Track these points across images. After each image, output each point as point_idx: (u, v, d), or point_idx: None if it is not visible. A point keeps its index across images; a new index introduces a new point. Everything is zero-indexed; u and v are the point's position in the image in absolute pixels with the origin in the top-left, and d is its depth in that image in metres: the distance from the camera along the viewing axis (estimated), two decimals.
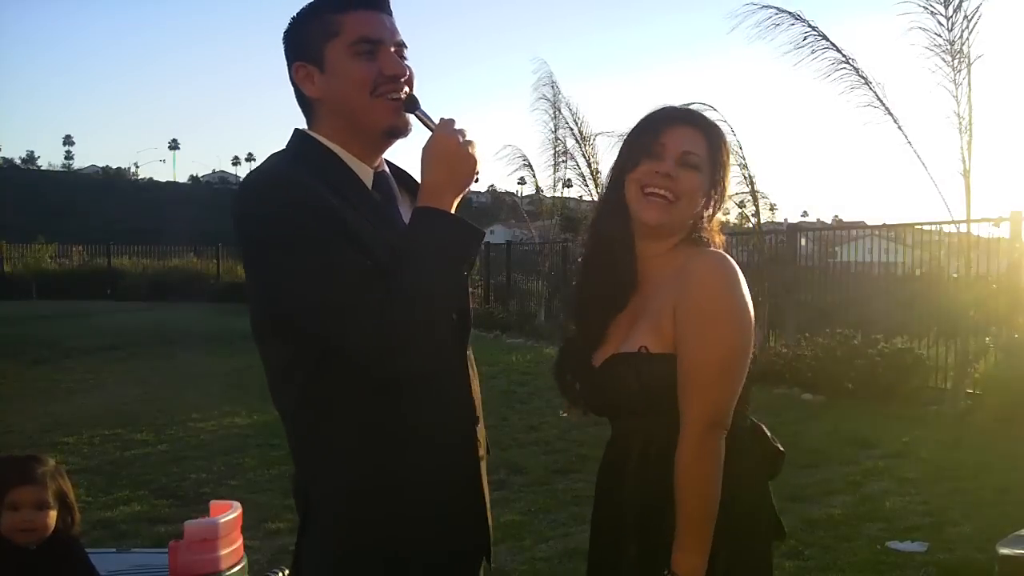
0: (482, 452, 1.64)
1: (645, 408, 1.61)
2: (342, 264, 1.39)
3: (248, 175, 1.53)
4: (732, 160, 1.74)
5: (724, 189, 1.69)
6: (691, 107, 1.72)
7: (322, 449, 1.50)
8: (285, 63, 1.57)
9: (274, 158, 1.54)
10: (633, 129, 1.71)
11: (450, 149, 1.48)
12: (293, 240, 1.40)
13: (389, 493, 1.48)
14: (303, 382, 1.48)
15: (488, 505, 1.64)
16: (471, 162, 1.49)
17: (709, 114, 1.73)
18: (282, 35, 1.57)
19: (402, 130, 1.56)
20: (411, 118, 1.57)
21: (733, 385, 1.56)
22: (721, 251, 1.65)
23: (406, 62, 1.56)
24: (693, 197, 1.63)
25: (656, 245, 1.68)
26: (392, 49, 1.53)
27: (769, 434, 1.72)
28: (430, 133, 1.52)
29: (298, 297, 1.41)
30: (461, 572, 1.61)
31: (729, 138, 1.83)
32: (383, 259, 1.42)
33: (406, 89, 1.55)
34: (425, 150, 1.49)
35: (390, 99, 1.52)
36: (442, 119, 1.52)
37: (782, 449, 1.71)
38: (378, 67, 1.51)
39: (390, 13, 1.56)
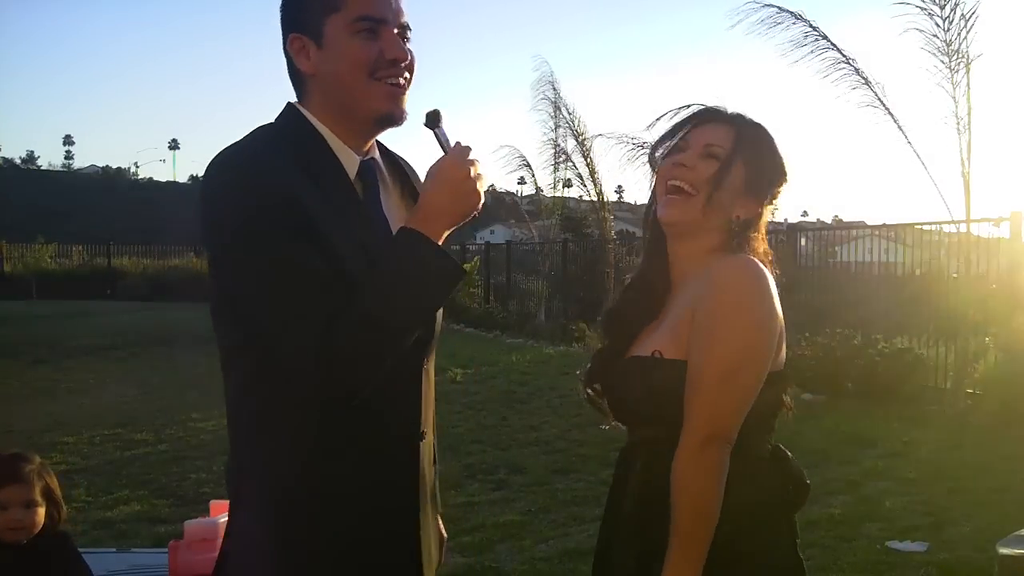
0: (426, 468, 1.55)
1: (652, 415, 1.54)
2: (295, 266, 1.32)
3: (221, 152, 1.41)
4: (776, 157, 1.62)
5: (761, 186, 1.60)
6: (726, 107, 1.64)
7: (252, 441, 1.46)
8: (281, 34, 1.49)
9: (255, 133, 1.46)
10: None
11: (459, 178, 1.40)
12: (248, 232, 1.32)
13: (313, 501, 1.43)
14: (242, 373, 1.44)
15: (423, 526, 1.53)
16: (475, 198, 1.42)
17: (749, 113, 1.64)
18: (280, 3, 1.50)
19: (396, 119, 1.47)
20: (407, 104, 1.49)
21: (738, 395, 1.45)
22: (750, 256, 1.54)
23: (408, 45, 1.47)
24: (716, 189, 1.55)
25: (687, 247, 1.60)
26: (395, 31, 1.45)
27: (793, 461, 1.61)
28: (442, 153, 1.45)
29: (245, 293, 1.36)
30: None
31: None
32: (345, 263, 1.35)
33: (430, 109, 1.48)
34: (432, 171, 1.42)
35: (388, 84, 1.44)
36: (458, 144, 1.45)
37: (808, 482, 1.61)
38: (379, 48, 1.42)
39: None
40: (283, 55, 1.50)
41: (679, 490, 1.44)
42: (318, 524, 1.43)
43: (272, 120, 1.51)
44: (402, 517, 1.50)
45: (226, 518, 2.50)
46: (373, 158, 1.54)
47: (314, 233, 1.34)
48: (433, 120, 1.48)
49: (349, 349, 1.31)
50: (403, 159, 1.66)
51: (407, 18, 1.48)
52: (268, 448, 1.45)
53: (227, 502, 2.63)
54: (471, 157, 1.42)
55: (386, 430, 1.47)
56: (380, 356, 1.34)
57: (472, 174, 1.41)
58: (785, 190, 1.65)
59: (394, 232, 1.47)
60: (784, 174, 1.64)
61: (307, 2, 1.45)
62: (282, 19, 1.49)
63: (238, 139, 1.45)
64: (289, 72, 1.51)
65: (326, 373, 1.31)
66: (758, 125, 1.63)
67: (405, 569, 1.52)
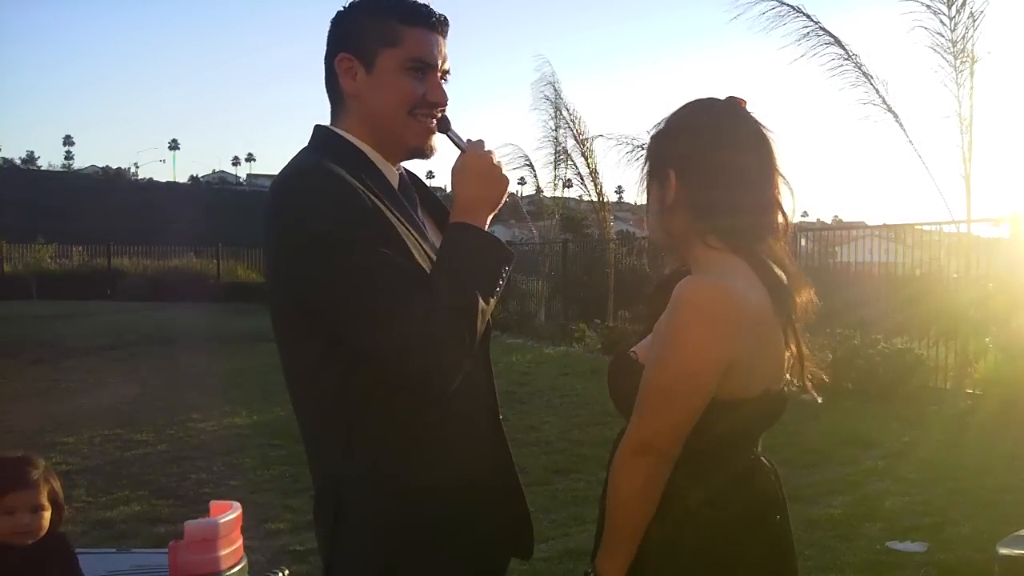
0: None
1: (628, 412, 1.56)
2: (386, 267, 1.38)
3: (284, 170, 1.49)
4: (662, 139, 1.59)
5: (665, 172, 1.55)
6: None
7: (356, 449, 1.48)
8: (326, 44, 1.57)
9: (305, 154, 1.53)
10: None
11: (484, 167, 1.52)
12: (336, 239, 1.38)
13: (429, 491, 1.47)
14: (337, 381, 1.46)
15: (524, 494, 1.67)
16: (504, 182, 1.53)
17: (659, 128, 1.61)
18: (335, 16, 1.57)
19: (425, 153, 1.59)
20: (436, 141, 1.59)
21: (672, 415, 1.46)
22: (712, 278, 1.49)
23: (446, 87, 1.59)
24: (658, 221, 1.61)
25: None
26: (439, 75, 1.56)
27: (769, 477, 1.62)
28: (459, 152, 1.55)
29: (339, 299, 1.39)
30: (502, 567, 1.66)
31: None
32: (417, 263, 1.44)
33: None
34: (457, 169, 1.53)
35: (423, 122, 1.55)
36: (470, 140, 1.56)
37: (783, 499, 1.64)
38: (424, 89, 1.53)
39: (446, 36, 1.58)
40: (323, 65, 1.58)
41: (611, 488, 1.51)
42: (443, 513, 1.49)
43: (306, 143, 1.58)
44: (510, 490, 1.64)
45: (227, 518, 2.51)
46: (404, 173, 1.64)
47: (391, 233, 1.43)
48: (445, 124, 1.58)
49: (444, 337, 1.39)
50: (421, 179, 1.74)
51: (449, 64, 1.58)
52: (374, 450, 1.48)
53: (227, 502, 2.65)
54: (486, 149, 1.54)
55: (478, 413, 1.57)
56: (470, 339, 1.43)
57: (494, 162, 1.53)
58: (701, 147, 1.55)
59: (432, 233, 1.58)
60: (669, 158, 1.56)
61: (365, 28, 1.54)
62: (333, 35, 1.57)
63: (290, 161, 1.52)
64: (328, 85, 1.59)
65: (429, 362, 1.38)
66: (653, 142, 1.60)
67: (524, 537, 1.71)
